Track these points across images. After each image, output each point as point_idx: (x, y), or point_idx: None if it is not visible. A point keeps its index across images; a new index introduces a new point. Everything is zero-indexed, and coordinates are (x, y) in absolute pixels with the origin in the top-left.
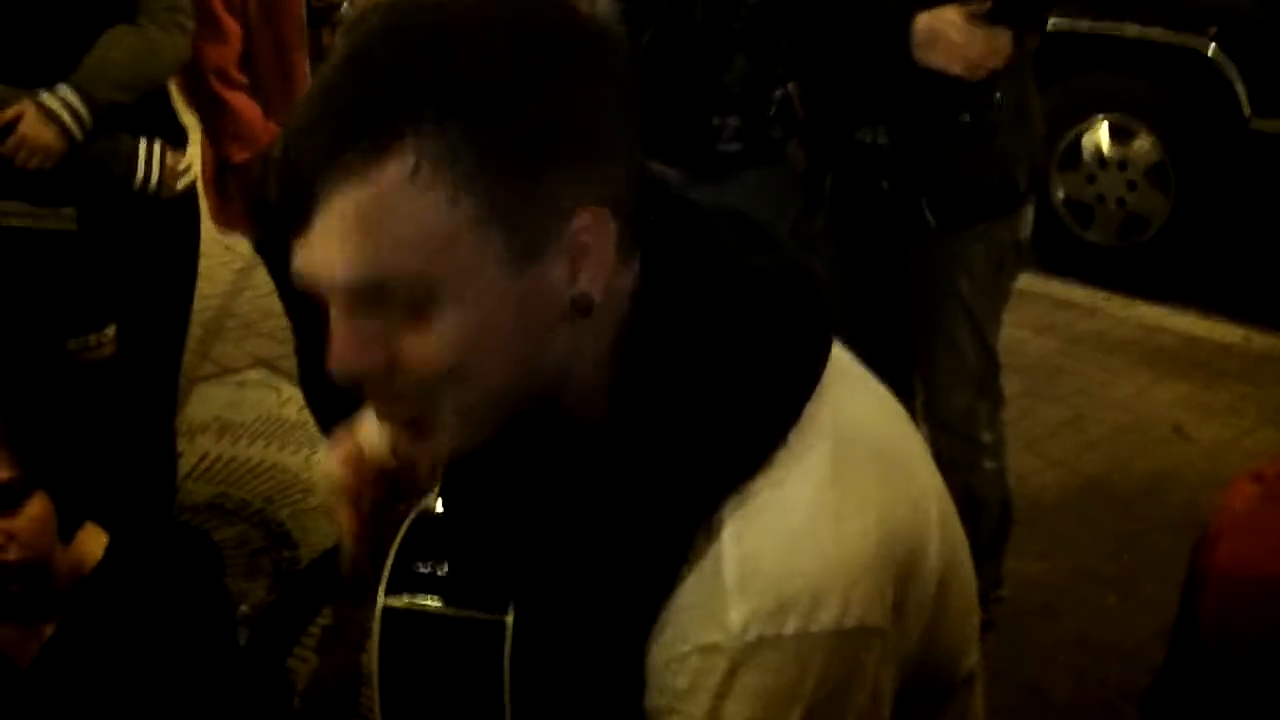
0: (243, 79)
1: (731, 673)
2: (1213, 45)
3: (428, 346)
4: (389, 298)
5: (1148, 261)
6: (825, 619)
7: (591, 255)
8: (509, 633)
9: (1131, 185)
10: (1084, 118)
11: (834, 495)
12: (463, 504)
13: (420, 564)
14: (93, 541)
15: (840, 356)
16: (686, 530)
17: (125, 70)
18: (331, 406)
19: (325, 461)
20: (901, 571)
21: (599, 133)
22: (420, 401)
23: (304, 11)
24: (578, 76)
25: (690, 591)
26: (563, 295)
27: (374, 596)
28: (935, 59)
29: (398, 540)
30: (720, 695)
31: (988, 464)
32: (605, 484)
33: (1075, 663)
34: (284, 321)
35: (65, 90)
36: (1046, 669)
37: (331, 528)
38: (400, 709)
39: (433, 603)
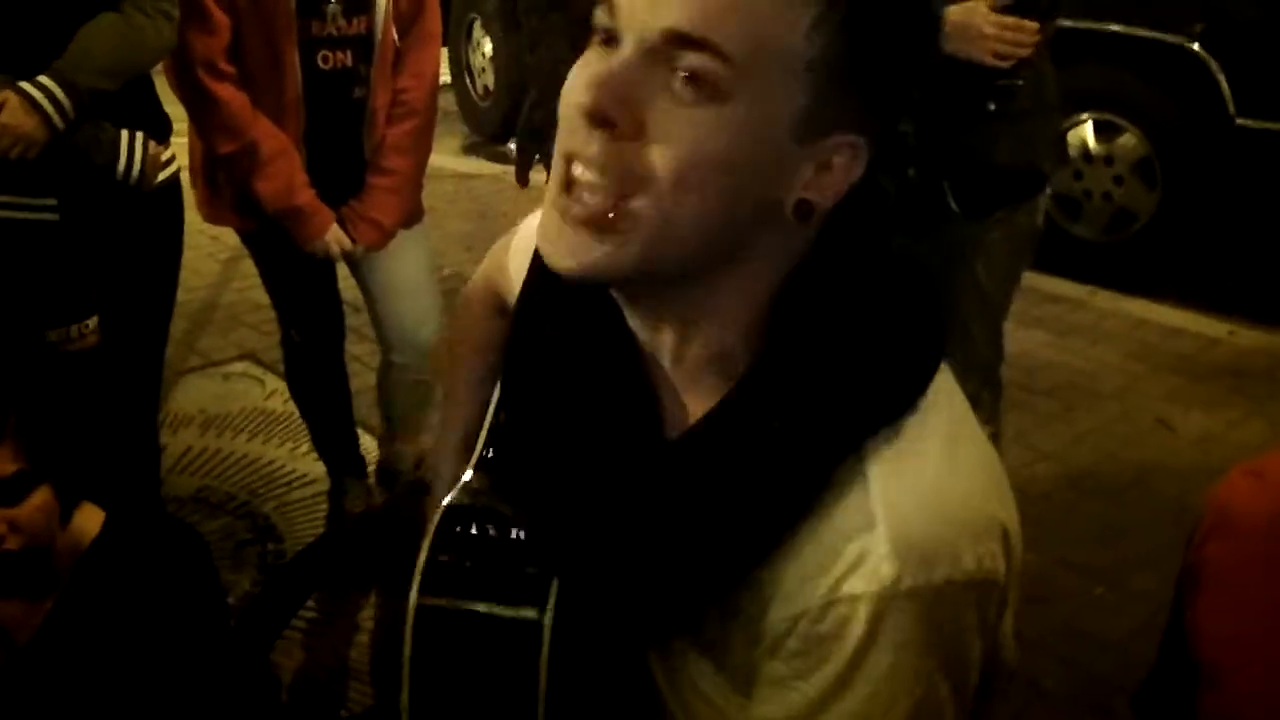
0: (231, 70)
1: (879, 619)
2: (1198, 42)
3: (697, 123)
4: (696, 59)
5: (1135, 256)
6: (967, 568)
7: (836, 176)
8: (546, 633)
9: (1118, 180)
10: (1070, 114)
11: (964, 453)
12: (519, 456)
13: (454, 561)
14: (89, 519)
15: None
16: (826, 464)
17: (109, 58)
18: (315, 399)
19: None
20: (1015, 526)
21: (903, 84)
22: (630, 188)
23: (293, 2)
24: (927, 37)
25: (833, 534)
26: (795, 190)
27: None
28: (968, 50)
29: (429, 536)
30: (866, 643)
31: None
32: (750, 412)
33: (1064, 652)
34: (269, 314)
35: (48, 79)
36: (1036, 658)
37: (317, 520)
38: (431, 707)
39: (468, 602)
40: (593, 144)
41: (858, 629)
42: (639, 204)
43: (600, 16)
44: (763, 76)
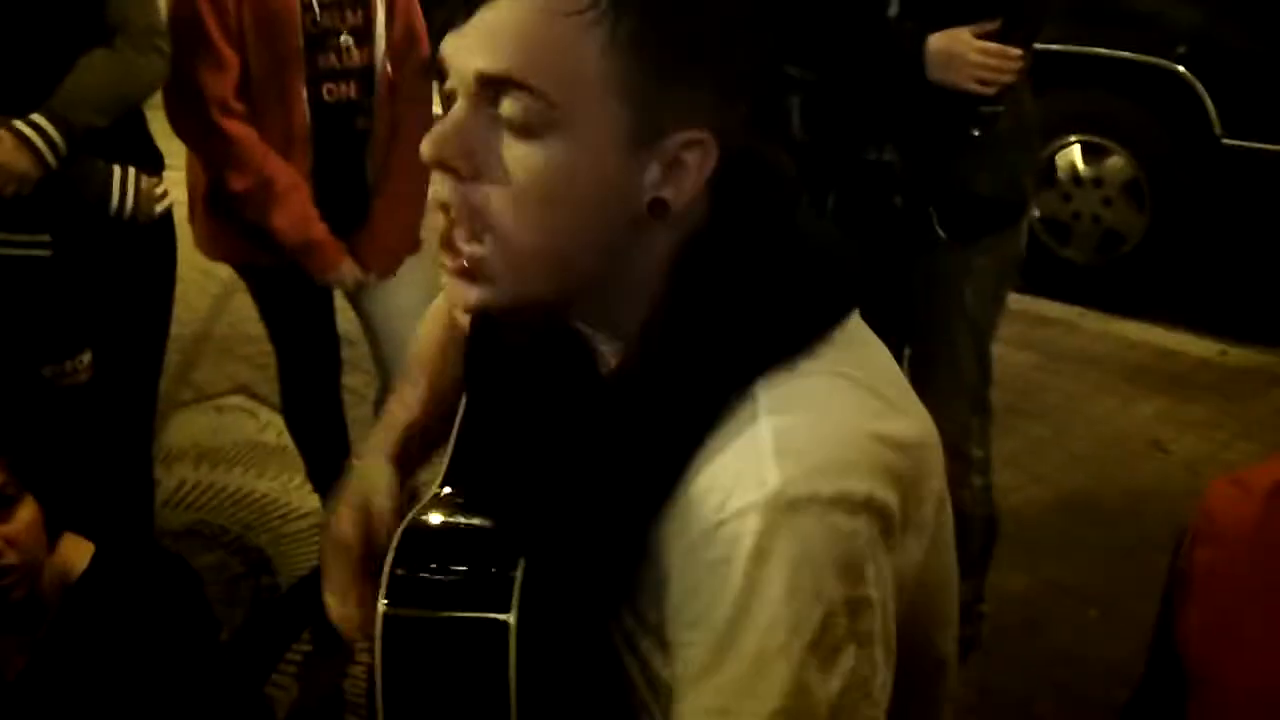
0: (241, 107)
1: (767, 533)
2: (1182, 64)
3: (525, 161)
4: (512, 99)
5: (1124, 277)
6: (856, 488)
7: (687, 173)
8: (513, 632)
9: (1107, 202)
10: (1058, 137)
11: (863, 394)
12: (481, 442)
13: (418, 571)
14: (75, 551)
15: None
16: (718, 398)
17: (101, 94)
18: (312, 431)
19: (332, 538)
20: (909, 483)
21: (739, 69)
22: (488, 227)
23: (300, 37)
24: (748, 19)
25: (721, 461)
26: (645, 193)
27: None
28: (952, 78)
29: (393, 548)
30: (756, 559)
31: (976, 480)
32: (639, 370)
33: (1058, 677)
34: (263, 346)
35: (41, 117)
36: (1029, 683)
37: (310, 554)
38: (406, 717)
39: (433, 609)
40: (445, 192)
41: (747, 543)
42: (489, 248)
43: (444, 75)
44: (577, 103)
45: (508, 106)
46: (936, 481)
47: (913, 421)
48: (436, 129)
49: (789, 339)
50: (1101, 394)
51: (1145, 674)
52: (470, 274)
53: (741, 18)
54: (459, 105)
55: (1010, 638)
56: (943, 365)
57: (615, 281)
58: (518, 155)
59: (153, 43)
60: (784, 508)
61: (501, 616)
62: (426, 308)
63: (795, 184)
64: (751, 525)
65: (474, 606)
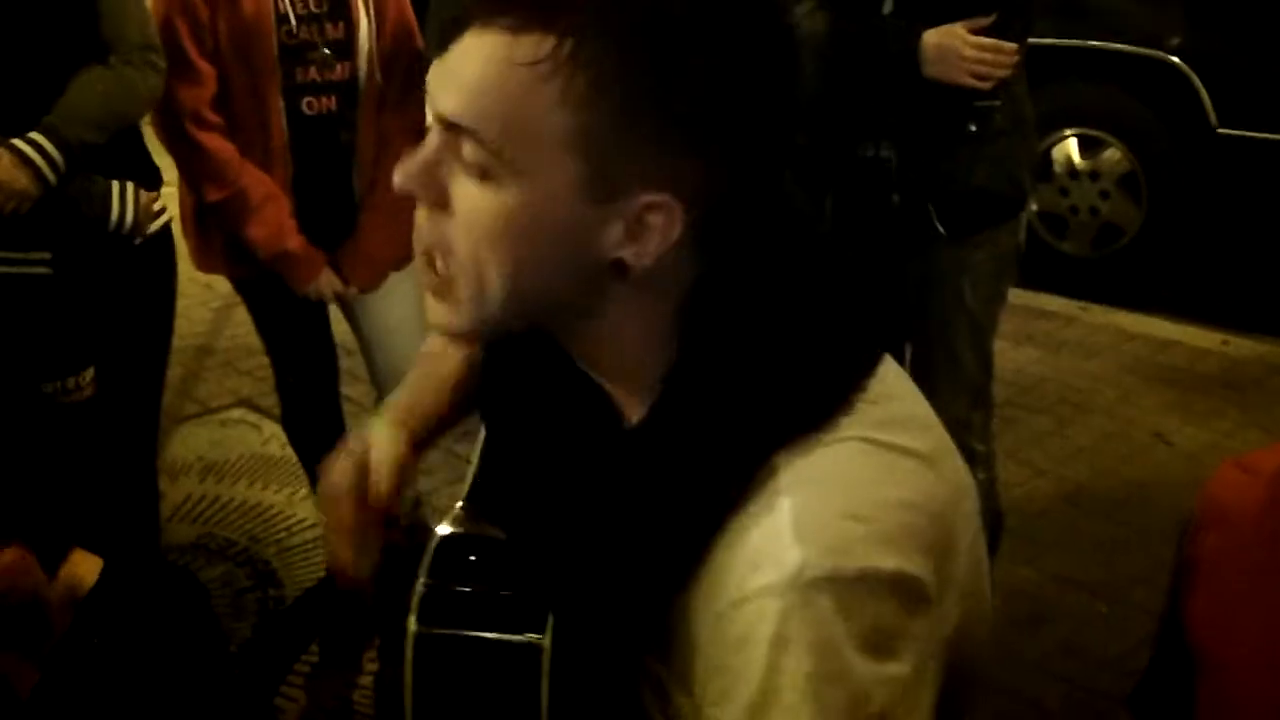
0: (217, 120)
1: (786, 617)
2: (1177, 55)
3: (477, 203)
4: (468, 143)
5: (1123, 270)
6: (882, 564)
7: (650, 236)
8: (546, 656)
9: (1104, 195)
10: (1053, 130)
11: (891, 458)
12: (501, 479)
13: (448, 587)
14: (83, 566)
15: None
16: (739, 475)
17: (98, 111)
18: (314, 443)
19: (325, 486)
20: (942, 547)
21: (721, 136)
22: (449, 254)
23: (276, 50)
24: (737, 85)
25: (744, 537)
26: (607, 251)
27: (372, 625)
28: (948, 73)
29: (425, 564)
30: (776, 644)
31: (980, 475)
32: (656, 439)
33: (1065, 670)
34: (264, 360)
35: (39, 134)
36: (1037, 677)
37: (317, 565)
38: None
39: (465, 628)
40: (418, 216)
41: (767, 628)
42: (453, 270)
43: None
44: (528, 155)
45: (466, 149)
46: (970, 527)
47: (944, 471)
48: (408, 158)
49: (807, 411)
50: (1103, 386)
51: (1152, 660)
52: (440, 293)
53: (725, 82)
54: (430, 135)
55: (1017, 631)
56: (942, 364)
57: (609, 333)
58: (472, 194)
59: (148, 59)
60: (803, 589)
61: (535, 639)
62: (418, 321)
63: (803, 222)
64: (771, 608)
65: (507, 628)
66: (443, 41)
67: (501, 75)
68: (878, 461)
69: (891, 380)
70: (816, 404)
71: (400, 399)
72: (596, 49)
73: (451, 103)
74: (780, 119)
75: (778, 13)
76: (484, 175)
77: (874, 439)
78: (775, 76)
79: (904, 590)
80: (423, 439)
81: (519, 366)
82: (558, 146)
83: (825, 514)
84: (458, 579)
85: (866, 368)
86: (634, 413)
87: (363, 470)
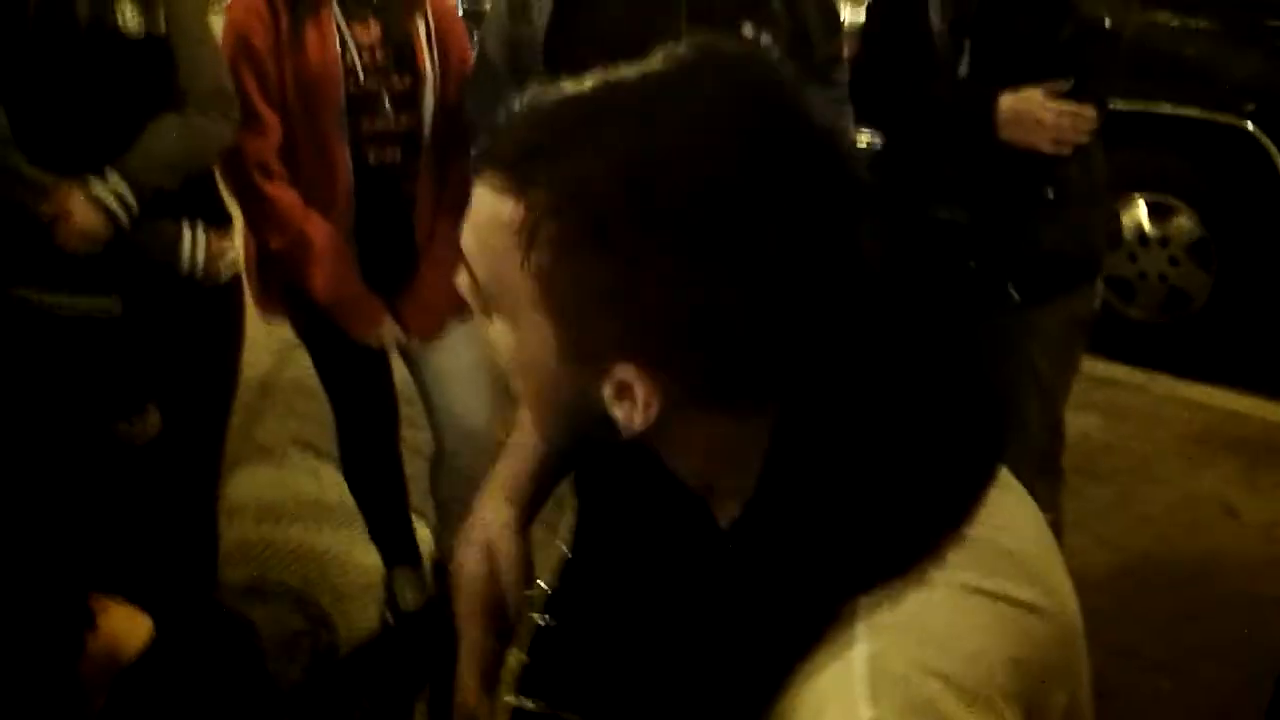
0: (282, 170)
1: None
2: (1250, 120)
3: (495, 331)
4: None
5: (1191, 338)
6: None
7: (635, 404)
8: None
9: (1173, 261)
10: (1124, 195)
11: (991, 607)
12: (579, 605)
13: (553, 666)
14: (125, 624)
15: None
16: (815, 618)
17: (172, 157)
18: (372, 489)
19: (460, 562)
20: (1039, 702)
21: (689, 321)
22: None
23: (343, 100)
24: (689, 270)
25: (817, 684)
26: (600, 405)
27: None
28: (1024, 137)
29: (528, 638)
30: None
31: None
32: (736, 568)
33: None
34: (323, 403)
35: (113, 178)
36: None
37: (371, 611)
38: None
39: (566, 713)
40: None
41: None
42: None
43: None
44: (512, 308)
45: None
46: (1081, 667)
47: (1051, 613)
48: (461, 273)
49: (897, 553)
50: (1169, 457)
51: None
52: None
53: (691, 280)
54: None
55: None
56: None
57: (678, 450)
58: (495, 322)
59: (221, 108)
60: None
61: None
62: (478, 370)
63: (891, 311)
64: None
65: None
66: (478, 161)
67: (490, 228)
68: (977, 612)
69: (1008, 507)
70: (909, 545)
71: (506, 469)
72: (554, 230)
73: (466, 237)
74: (769, 298)
75: (763, 210)
76: (486, 309)
77: (973, 585)
78: (756, 273)
79: None
80: (530, 515)
81: (616, 455)
82: (530, 305)
83: (906, 666)
84: (562, 658)
85: (976, 491)
86: (727, 518)
87: (491, 563)
